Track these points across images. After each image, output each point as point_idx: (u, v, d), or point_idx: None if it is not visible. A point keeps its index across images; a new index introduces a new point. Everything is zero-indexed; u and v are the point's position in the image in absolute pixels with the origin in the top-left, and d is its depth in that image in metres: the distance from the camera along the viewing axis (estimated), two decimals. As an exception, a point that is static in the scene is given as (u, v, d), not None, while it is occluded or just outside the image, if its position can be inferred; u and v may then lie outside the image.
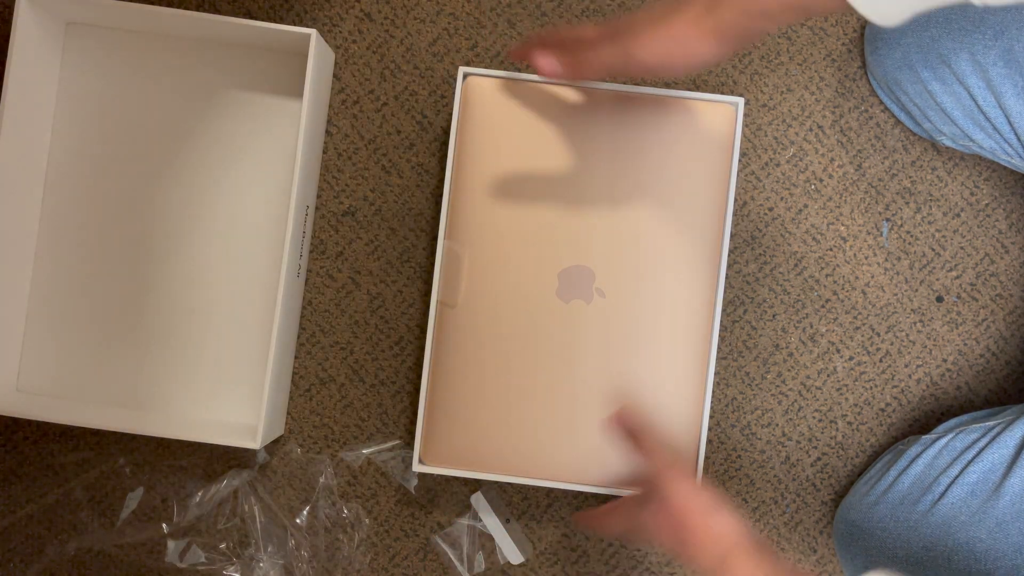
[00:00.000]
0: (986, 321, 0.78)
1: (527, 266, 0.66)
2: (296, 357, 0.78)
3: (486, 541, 0.77)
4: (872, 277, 0.78)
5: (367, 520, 0.77)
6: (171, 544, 0.76)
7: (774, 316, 0.78)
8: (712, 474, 0.77)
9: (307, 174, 0.72)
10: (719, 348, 0.77)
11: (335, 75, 0.78)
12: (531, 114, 0.67)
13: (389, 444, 0.77)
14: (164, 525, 0.76)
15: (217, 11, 0.78)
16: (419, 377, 0.76)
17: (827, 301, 0.78)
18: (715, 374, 0.72)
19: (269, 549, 0.76)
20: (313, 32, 0.68)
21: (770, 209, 0.78)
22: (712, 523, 0.54)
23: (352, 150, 0.78)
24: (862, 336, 0.78)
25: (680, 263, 0.66)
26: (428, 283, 0.77)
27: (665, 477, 0.57)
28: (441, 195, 0.72)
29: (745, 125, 0.77)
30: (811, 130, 0.78)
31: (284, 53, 0.76)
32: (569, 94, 0.67)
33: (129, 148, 0.76)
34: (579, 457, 0.66)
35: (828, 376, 0.78)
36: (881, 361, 0.78)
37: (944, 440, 0.69)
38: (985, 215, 0.77)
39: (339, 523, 0.77)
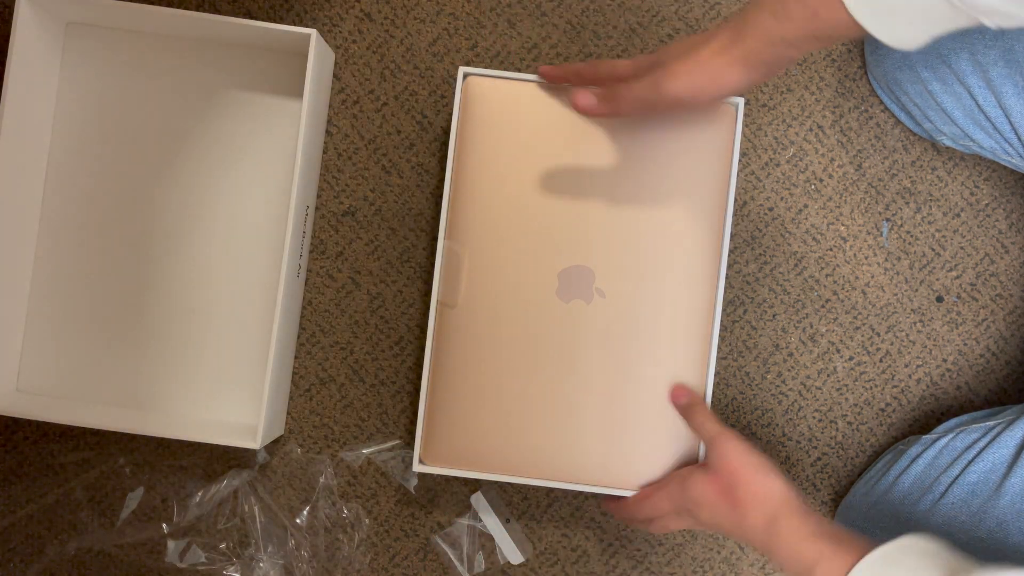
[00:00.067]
0: (986, 321, 0.78)
1: (527, 266, 0.66)
2: (296, 357, 0.78)
3: (486, 541, 0.77)
4: (872, 277, 0.78)
5: (367, 520, 0.77)
6: (171, 544, 0.76)
7: (774, 316, 0.78)
8: (712, 474, 0.77)
9: (307, 174, 0.72)
10: (719, 348, 0.77)
11: (335, 75, 0.78)
12: (531, 114, 0.67)
13: (389, 444, 0.77)
14: (164, 525, 0.76)
15: (217, 11, 0.78)
16: (419, 377, 0.76)
17: (827, 301, 0.78)
18: (715, 374, 0.72)
19: (269, 549, 0.76)
20: (313, 32, 0.68)
21: (770, 209, 0.78)
22: (764, 481, 0.57)
23: (352, 150, 0.78)
24: (862, 336, 0.78)
25: (680, 263, 0.66)
26: (428, 283, 0.77)
27: (719, 441, 0.59)
28: (441, 195, 0.72)
29: (745, 125, 0.77)
30: (811, 130, 0.78)
31: (284, 53, 0.76)
32: (569, 95, 0.67)
33: (129, 148, 0.76)
34: (579, 457, 0.66)
35: (828, 376, 0.78)
36: (881, 361, 0.78)
37: (944, 440, 0.69)
38: (985, 215, 0.77)
39: (339, 523, 0.77)
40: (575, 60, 0.78)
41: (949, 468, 0.67)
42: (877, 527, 0.69)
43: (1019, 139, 0.66)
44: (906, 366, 0.78)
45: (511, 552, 0.76)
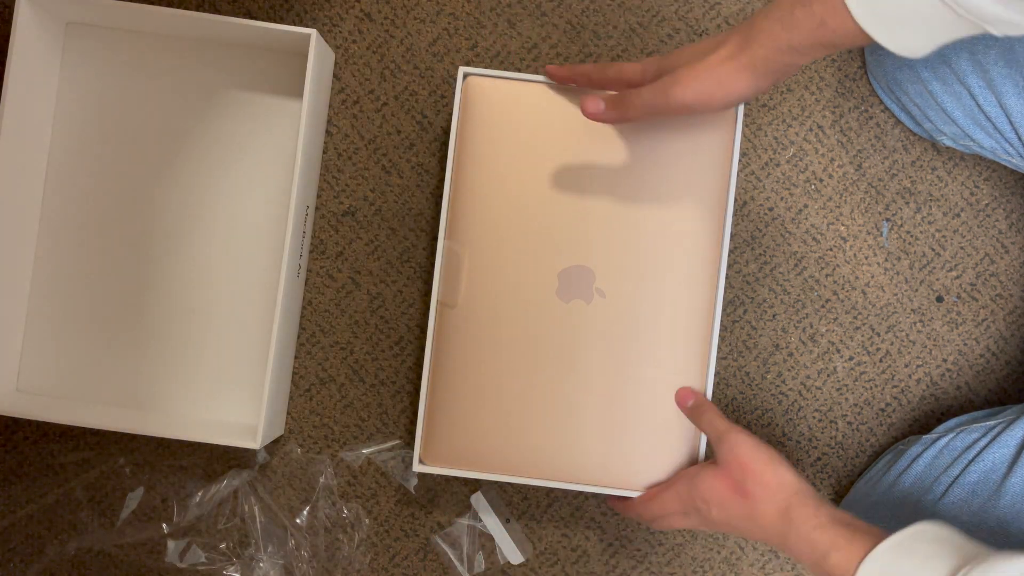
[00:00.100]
0: (986, 321, 0.78)
1: (527, 266, 0.66)
2: (296, 357, 0.78)
3: (486, 541, 0.77)
4: (872, 277, 0.78)
5: (367, 520, 0.77)
6: (171, 544, 0.76)
7: (774, 316, 0.78)
8: (712, 474, 0.77)
9: (307, 174, 0.72)
10: (719, 348, 0.77)
11: (335, 75, 0.78)
12: (531, 114, 0.67)
13: (389, 444, 0.77)
14: (164, 525, 0.76)
15: (217, 11, 0.78)
16: (419, 377, 0.76)
17: (827, 301, 0.78)
18: (715, 374, 0.72)
19: (269, 549, 0.76)
20: (313, 32, 0.68)
21: (770, 209, 0.78)
22: (774, 473, 0.57)
23: (352, 150, 0.78)
24: (862, 336, 0.78)
25: (680, 263, 0.66)
26: (428, 283, 0.77)
27: (728, 437, 0.60)
28: (441, 195, 0.72)
29: (745, 125, 0.77)
30: (811, 130, 0.78)
31: (284, 53, 0.76)
32: (569, 94, 0.67)
33: (129, 148, 0.76)
34: (579, 457, 0.66)
35: (828, 376, 0.78)
36: (881, 361, 0.78)
37: (945, 440, 0.69)
38: (985, 215, 0.77)
39: (339, 523, 0.77)
40: (575, 60, 0.78)
41: (949, 468, 0.67)
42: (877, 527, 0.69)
43: (1019, 139, 0.66)
44: (906, 366, 0.78)
45: (511, 552, 0.76)
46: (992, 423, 0.67)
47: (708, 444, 0.67)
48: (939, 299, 0.78)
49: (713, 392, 0.69)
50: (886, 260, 0.78)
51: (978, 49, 0.64)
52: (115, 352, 0.76)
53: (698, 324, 0.67)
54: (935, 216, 0.78)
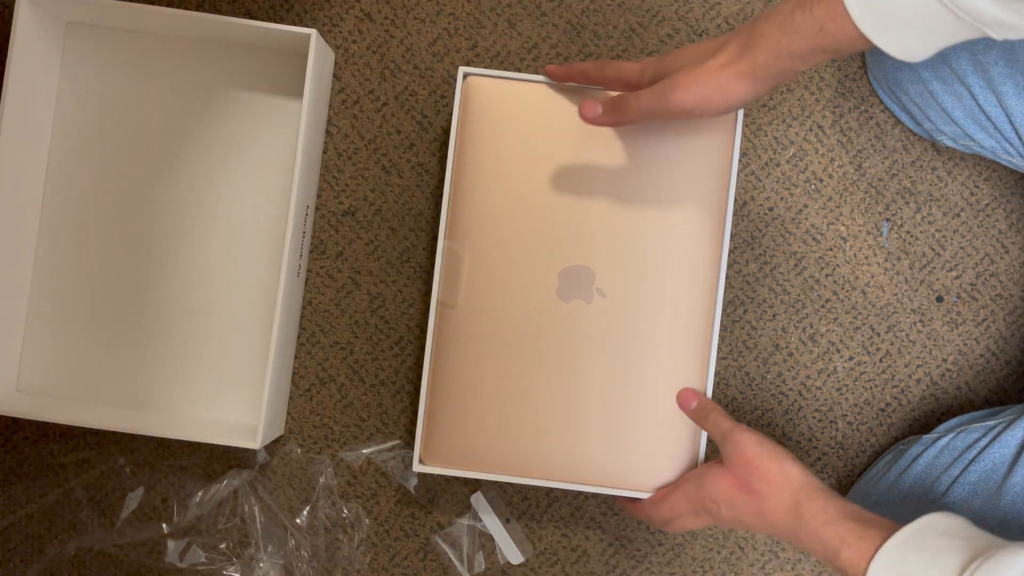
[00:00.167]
0: (986, 321, 0.78)
1: (527, 266, 0.66)
2: (296, 357, 0.78)
3: (486, 541, 0.77)
4: (872, 277, 0.78)
5: (367, 520, 0.77)
6: (171, 544, 0.76)
7: (774, 316, 0.78)
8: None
9: (307, 174, 0.72)
10: (719, 348, 0.77)
11: (335, 75, 0.78)
12: (531, 114, 0.67)
13: (389, 444, 0.77)
14: (164, 525, 0.76)
15: (217, 11, 0.78)
16: (419, 377, 0.76)
17: (827, 301, 0.78)
18: (715, 374, 0.72)
19: (269, 549, 0.76)
20: (313, 32, 0.68)
21: (770, 209, 0.78)
22: (780, 468, 0.57)
23: (352, 150, 0.78)
24: (862, 336, 0.78)
25: (680, 263, 0.66)
26: (428, 283, 0.77)
27: (733, 436, 0.60)
28: (441, 195, 0.72)
29: (745, 125, 0.77)
30: (811, 130, 0.78)
31: (284, 53, 0.76)
32: (569, 95, 0.67)
33: (129, 148, 0.76)
34: (579, 457, 0.66)
35: (828, 376, 0.78)
36: (881, 361, 0.78)
37: (945, 440, 0.69)
38: (985, 215, 0.77)
39: (339, 523, 0.77)
40: (575, 60, 0.78)
41: (950, 468, 0.67)
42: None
43: (1020, 139, 0.66)
44: (906, 366, 0.78)
45: (511, 552, 0.76)
46: (992, 423, 0.67)
47: (709, 443, 0.67)
48: (939, 299, 0.78)
49: (713, 392, 0.69)
50: (886, 260, 0.78)
51: (978, 49, 0.64)
52: (115, 352, 0.76)
53: (698, 324, 0.67)
54: (935, 216, 0.78)
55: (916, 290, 0.78)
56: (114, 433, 0.77)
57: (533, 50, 0.78)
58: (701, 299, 0.67)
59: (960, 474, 0.65)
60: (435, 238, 0.77)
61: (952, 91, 0.67)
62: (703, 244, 0.66)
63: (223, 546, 0.76)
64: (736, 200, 0.77)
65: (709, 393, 0.67)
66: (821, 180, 0.78)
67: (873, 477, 0.73)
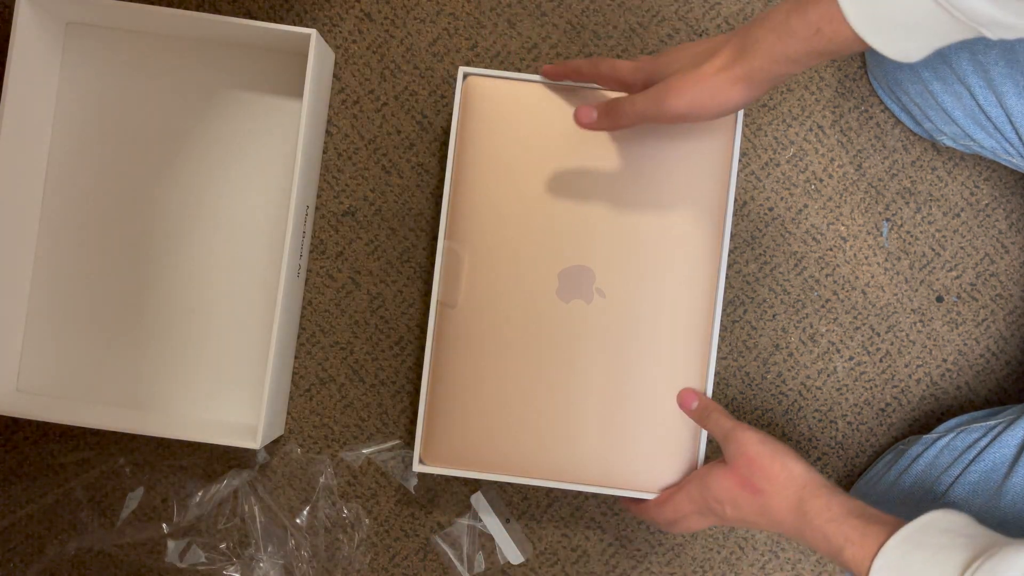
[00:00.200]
0: (986, 321, 0.78)
1: (527, 266, 0.66)
2: (296, 357, 0.78)
3: (486, 541, 0.77)
4: (872, 277, 0.78)
5: (367, 520, 0.77)
6: (171, 544, 0.76)
7: (774, 316, 0.78)
8: (712, 474, 0.77)
9: (307, 174, 0.72)
10: (719, 348, 0.77)
11: (335, 75, 0.78)
12: (531, 114, 0.67)
13: (389, 444, 0.77)
14: (164, 525, 0.76)
15: (217, 11, 0.78)
16: (419, 377, 0.76)
17: (827, 301, 0.78)
18: (715, 374, 0.72)
19: (269, 549, 0.76)
20: (313, 32, 0.68)
21: (770, 209, 0.78)
22: (783, 466, 0.57)
23: (352, 150, 0.78)
24: (862, 336, 0.78)
25: (680, 263, 0.66)
26: (428, 283, 0.77)
27: (734, 435, 0.60)
28: (441, 195, 0.72)
29: (745, 125, 0.77)
30: (811, 130, 0.78)
31: (284, 53, 0.76)
32: (569, 95, 0.67)
33: (129, 148, 0.76)
34: (579, 457, 0.66)
35: (828, 376, 0.78)
36: (881, 361, 0.78)
37: (945, 440, 0.69)
38: (985, 215, 0.77)
39: (339, 523, 0.77)
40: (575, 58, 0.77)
41: (950, 468, 0.67)
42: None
43: (1020, 139, 0.66)
44: (906, 366, 0.78)
45: (511, 552, 0.76)
46: (992, 423, 0.67)
47: (709, 443, 0.67)
48: (939, 299, 0.78)
49: (713, 392, 0.69)
50: (886, 260, 0.78)
51: (979, 49, 0.64)
52: (115, 352, 0.76)
53: (698, 324, 0.67)
54: (935, 216, 0.78)
55: (916, 290, 0.78)
56: (114, 433, 0.77)
57: (533, 50, 0.78)
58: (701, 299, 0.67)
59: (960, 474, 0.65)
60: (435, 238, 0.77)
61: (952, 91, 0.67)
62: (703, 244, 0.66)
63: (223, 546, 0.76)
64: (736, 200, 0.77)
65: (709, 393, 0.67)
66: (821, 180, 0.78)
67: (873, 477, 0.73)
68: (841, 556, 0.52)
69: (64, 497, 0.77)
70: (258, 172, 0.76)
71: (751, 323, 0.78)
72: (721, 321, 0.69)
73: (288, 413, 0.78)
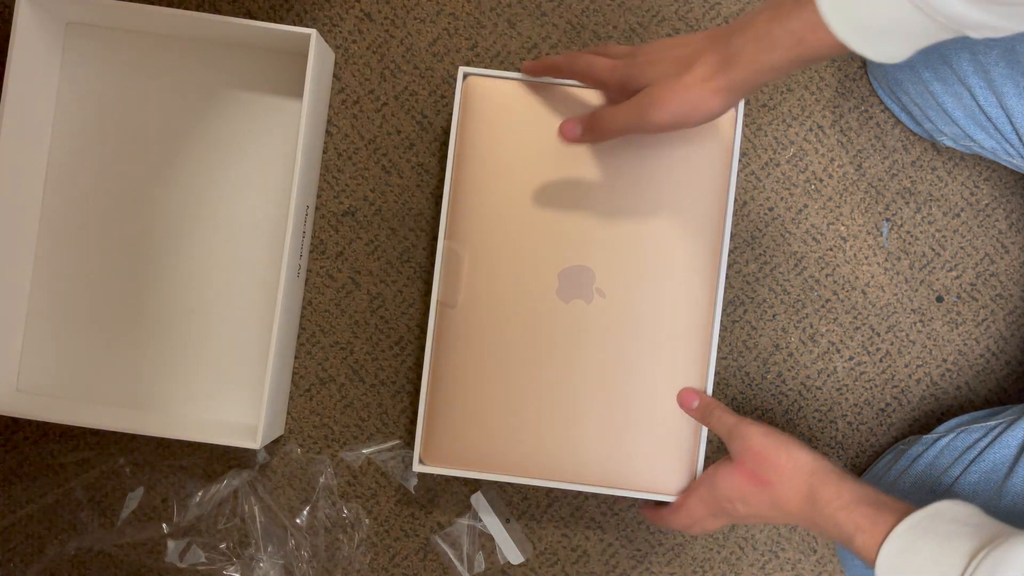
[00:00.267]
0: (986, 321, 0.78)
1: (527, 266, 0.66)
2: (296, 357, 0.78)
3: (486, 541, 0.77)
4: (872, 277, 0.78)
5: (367, 520, 0.77)
6: (171, 544, 0.76)
7: (774, 316, 0.78)
8: (712, 474, 0.77)
9: (307, 174, 0.72)
10: (719, 348, 0.77)
11: (335, 75, 0.78)
12: (531, 114, 0.67)
13: (389, 444, 0.77)
14: (164, 525, 0.76)
15: (217, 11, 0.78)
16: (419, 377, 0.76)
17: (827, 301, 0.78)
18: (715, 374, 0.72)
19: (269, 549, 0.76)
20: (313, 32, 0.68)
21: (770, 209, 0.78)
22: (789, 456, 0.57)
23: (352, 150, 0.78)
24: (862, 336, 0.78)
25: (680, 263, 0.66)
26: (428, 283, 0.77)
27: (738, 430, 0.60)
28: (441, 195, 0.72)
29: (745, 125, 0.77)
30: (811, 130, 0.78)
31: (284, 53, 0.76)
32: (569, 95, 0.67)
33: (129, 148, 0.76)
34: (579, 457, 0.66)
35: (828, 376, 0.78)
36: (881, 361, 0.78)
37: (945, 440, 0.69)
38: (985, 215, 0.77)
39: (339, 523, 0.77)
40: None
41: (950, 468, 0.67)
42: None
43: (1020, 139, 0.66)
44: (906, 366, 0.78)
45: (511, 552, 0.76)
46: (993, 423, 0.67)
47: (709, 443, 0.67)
48: (939, 299, 0.78)
49: (713, 392, 0.69)
50: (886, 260, 0.78)
51: (979, 49, 0.64)
52: (115, 352, 0.76)
53: (698, 324, 0.67)
54: (935, 216, 0.78)
55: (916, 290, 0.78)
56: (114, 433, 0.77)
57: (533, 50, 0.78)
58: (701, 299, 0.67)
59: (960, 474, 0.65)
60: (435, 238, 0.77)
61: (952, 91, 0.67)
62: (703, 244, 0.66)
63: (223, 546, 0.76)
64: (736, 200, 0.77)
65: (709, 393, 0.67)
66: (821, 180, 0.78)
67: (873, 477, 0.73)
68: (852, 543, 0.53)
69: (64, 497, 0.77)
70: (258, 172, 0.76)
71: (751, 323, 0.78)
72: (721, 321, 0.69)
73: (288, 413, 0.78)
